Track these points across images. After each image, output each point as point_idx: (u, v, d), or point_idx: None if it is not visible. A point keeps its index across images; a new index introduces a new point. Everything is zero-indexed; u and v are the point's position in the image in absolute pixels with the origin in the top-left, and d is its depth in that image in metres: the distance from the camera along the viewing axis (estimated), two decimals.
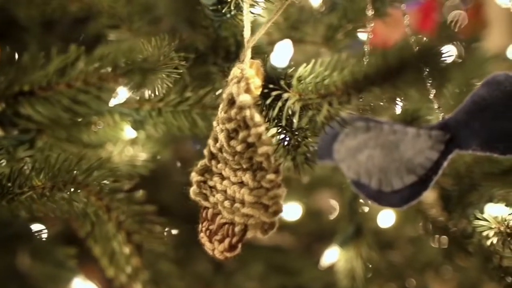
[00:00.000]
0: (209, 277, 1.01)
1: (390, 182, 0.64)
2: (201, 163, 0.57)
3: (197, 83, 0.64)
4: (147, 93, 0.61)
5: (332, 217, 1.19)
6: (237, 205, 0.52)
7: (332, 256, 0.82)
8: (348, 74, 0.44)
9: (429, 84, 0.66)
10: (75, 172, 0.48)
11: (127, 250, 0.48)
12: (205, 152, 0.56)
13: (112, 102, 0.64)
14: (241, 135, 0.50)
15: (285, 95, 0.48)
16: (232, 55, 0.64)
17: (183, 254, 1.00)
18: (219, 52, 0.64)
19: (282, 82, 0.49)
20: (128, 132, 0.72)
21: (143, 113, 0.64)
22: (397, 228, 0.94)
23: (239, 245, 0.52)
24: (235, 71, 0.52)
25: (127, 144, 0.74)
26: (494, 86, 0.61)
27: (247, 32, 0.52)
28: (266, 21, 0.52)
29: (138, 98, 0.64)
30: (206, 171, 0.57)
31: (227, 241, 0.52)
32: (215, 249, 0.53)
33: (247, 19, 0.52)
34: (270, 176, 0.50)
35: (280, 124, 0.50)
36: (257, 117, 0.49)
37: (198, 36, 0.64)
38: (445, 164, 0.63)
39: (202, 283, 1.01)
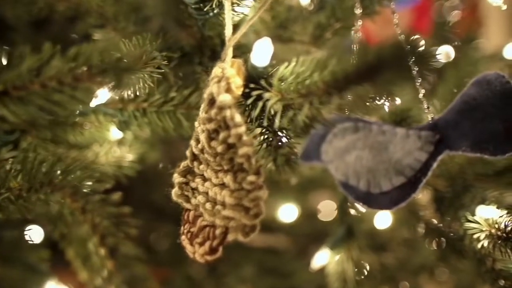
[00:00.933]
0: (201, 279, 1.01)
1: (379, 183, 0.63)
2: (183, 164, 0.56)
3: (182, 83, 0.63)
4: (127, 93, 0.60)
5: (329, 218, 1.18)
6: (218, 207, 0.51)
7: (323, 258, 0.81)
8: (328, 74, 0.43)
9: (418, 84, 0.65)
10: (52, 173, 0.47)
11: (101, 252, 0.47)
12: (187, 153, 0.55)
13: (95, 102, 0.63)
14: (221, 135, 0.49)
15: (266, 95, 0.47)
16: (218, 54, 0.63)
17: (175, 256, 1.00)
18: (204, 51, 0.63)
19: (263, 82, 0.47)
20: (114, 132, 0.71)
21: (127, 113, 0.63)
22: (391, 230, 0.93)
23: (220, 248, 0.51)
24: (216, 71, 0.51)
25: (113, 145, 0.73)
26: (484, 86, 0.60)
27: (228, 31, 0.51)
28: (248, 20, 0.51)
29: (122, 98, 0.63)
30: (189, 172, 0.56)
31: (207, 244, 0.51)
32: (196, 252, 0.52)
33: (228, 18, 0.51)
34: (251, 177, 0.48)
35: (262, 124, 0.48)
36: (238, 118, 0.48)
37: (183, 35, 0.63)
38: (435, 165, 0.62)
39: (194, 285, 1.00)
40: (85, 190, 0.49)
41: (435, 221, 0.82)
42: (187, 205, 0.55)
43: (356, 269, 0.78)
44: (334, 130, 0.66)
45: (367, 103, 0.44)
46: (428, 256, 0.92)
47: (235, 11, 0.56)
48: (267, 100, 0.48)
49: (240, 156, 0.49)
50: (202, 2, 0.55)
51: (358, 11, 0.65)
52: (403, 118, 0.66)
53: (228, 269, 1.00)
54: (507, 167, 0.82)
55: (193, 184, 0.55)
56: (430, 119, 0.64)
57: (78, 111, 0.63)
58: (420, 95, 0.64)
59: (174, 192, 0.55)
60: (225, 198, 0.50)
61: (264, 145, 0.50)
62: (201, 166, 0.54)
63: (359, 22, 0.65)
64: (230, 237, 0.50)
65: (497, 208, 0.68)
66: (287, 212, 1.18)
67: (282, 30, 0.70)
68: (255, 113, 0.49)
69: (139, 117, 0.64)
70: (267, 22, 0.70)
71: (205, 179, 0.54)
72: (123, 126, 0.66)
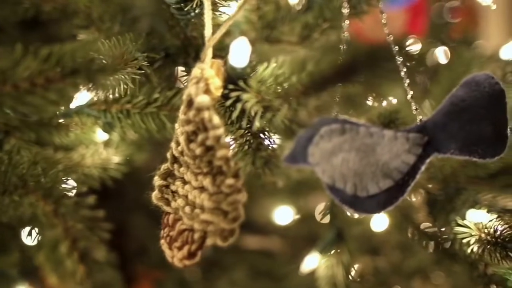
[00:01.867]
0: (191, 282, 1.00)
1: (366, 187, 0.62)
2: (163, 166, 0.55)
3: (166, 84, 0.63)
4: (109, 94, 0.59)
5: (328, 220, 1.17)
6: (197, 210, 0.50)
7: (313, 262, 0.80)
8: (306, 76, 0.42)
9: (406, 85, 0.64)
10: (27, 176, 0.46)
11: (73, 257, 0.46)
12: (168, 155, 0.55)
13: (78, 104, 0.63)
14: (200, 137, 0.48)
15: (244, 97, 0.46)
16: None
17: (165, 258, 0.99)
18: (189, 52, 0.62)
19: (242, 83, 0.46)
20: (100, 134, 0.71)
21: (110, 115, 0.63)
22: (384, 233, 0.91)
23: (199, 253, 0.50)
24: (195, 71, 0.50)
25: (100, 147, 0.72)
26: (473, 87, 0.59)
27: (208, 31, 0.50)
28: (227, 20, 0.50)
29: (105, 99, 0.62)
30: (169, 175, 0.55)
31: (186, 248, 0.50)
32: (175, 256, 0.51)
33: (208, 18, 0.50)
34: (229, 180, 0.47)
35: (241, 126, 0.48)
36: (216, 119, 0.47)
37: (168, 36, 0.62)
38: (423, 168, 0.61)
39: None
40: (60, 193, 0.48)
41: (427, 225, 0.80)
42: (167, 208, 0.54)
43: (346, 273, 0.77)
44: (320, 132, 0.65)
45: (346, 103, 0.43)
46: (422, 260, 0.90)
47: (218, 11, 0.55)
48: (247, 101, 0.46)
49: (218, 159, 0.48)
50: (183, 2, 0.54)
51: (345, 11, 0.64)
52: (391, 120, 0.64)
53: (220, 272, 0.99)
54: (500, 169, 0.80)
55: (173, 187, 0.54)
56: (418, 120, 0.62)
57: (61, 113, 0.62)
58: (408, 97, 0.63)
59: (154, 195, 0.54)
60: (204, 202, 0.49)
61: (244, 147, 0.49)
62: (181, 169, 0.53)
63: (347, 22, 0.64)
64: (209, 242, 0.49)
65: (488, 212, 0.67)
66: (283, 215, 1.17)
67: (269, 31, 0.69)
68: (235, 115, 0.47)
69: (123, 118, 0.63)
70: (254, 23, 0.69)
71: (185, 182, 0.53)
72: (107, 127, 0.65)
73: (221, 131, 0.47)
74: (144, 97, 0.61)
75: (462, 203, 0.73)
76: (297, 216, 1.16)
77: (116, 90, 0.54)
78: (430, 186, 0.81)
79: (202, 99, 0.47)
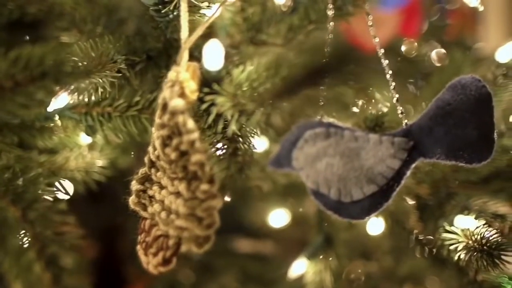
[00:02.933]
0: (183, 285, 0.99)
1: (350, 192, 0.61)
2: (141, 171, 0.54)
3: (148, 87, 0.62)
4: (90, 97, 0.58)
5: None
6: (172, 216, 0.49)
7: (301, 267, 0.79)
8: (280, 80, 0.41)
9: (392, 87, 0.62)
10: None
11: (39, 264, 0.45)
12: (146, 159, 0.54)
13: (58, 106, 0.62)
14: (174, 142, 0.47)
15: (219, 100, 0.45)
16: None
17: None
18: (171, 54, 0.62)
19: (216, 86, 0.46)
20: (84, 137, 0.70)
21: (92, 118, 0.62)
22: (376, 238, 0.90)
23: (173, 259, 0.49)
24: (171, 74, 0.49)
25: (84, 150, 0.71)
26: (459, 90, 0.58)
27: (184, 33, 0.50)
28: (204, 22, 0.49)
29: (87, 102, 0.62)
30: (147, 179, 0.54)
31: (161, 254, 0.49)
32: (150, 262, 0.50)
33: (184, 20, 0.49)
34: (204, 186, 0.46)
35: (217, 131, 0.47)
36: (190, 123, 0.46)
37: (149, 38, 0.62)
38: (408, 173, 0.60)
39: None
40: (31, 197, 0.47)
41: (418, 230, 0.79)
42: (144, 214, 0.53)
43: (334, 279, 0.75)
44: (305, 136, 0.64)
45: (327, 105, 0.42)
46: (414, 265, 0.89)
47: (197, 13, 0.54)
48: (222, 105, 0.45)
49: (193, 164, 0.47)
50: (161, 4, 0.53)
51: (330, 12, 0.63)
52: (377, 124, 0.63)
53: (210, 275, 0.98)
54: (493, 173, 0.79)
55: (150, 192, 0.53)
56: (404, 124, 0.61)
57: (41, 115, 0.62)
58: (394, 100, 0.62)
59: (131, 200, 0.54)
60: (179, 207, 0.48)
61: (220, 152, 0.48)
62: (158, 174, 0.52)
63: (332, 24, 0.63)
64: (184, 248, 0.48)
65: (476, 218, 0.66)
66: (277, 218, 1.16)
67: (255, 33, 0.68)
68: (210, 119, 0.46)
69: (104, 122, 0.62)
70: (239, 25, 0.68)
71: (162, 187, 0.52)
72: (89, 131, 0.64)
73: (195, 135, 0.46)
74: (125, 100, 0.60)
75: (451, 209, 0.72)
76: (291, 220, 1.15)
77: (94, 93, 0.53)
78: (421, 190, 0.80)
79: (177, 103, 0.46)
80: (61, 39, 0.66)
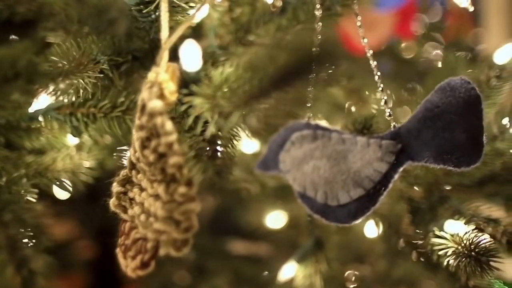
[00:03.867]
0: (176, 286, 0.98)
1: (336, 195, 0.60)
2: (122, 173, 0.54)
3: (133, 87, 0.61)
4: (73, 98, 0.58)
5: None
6: (151, 219, 0.49)
7: (291, 271, 0.78)
8: (257, 81, 0.40)
9: (380, 90, 0.61)
10: None
11: (10, 266, 0.45)
12: (127, 161, 0.53)
13: (44, 107, 0.62)
14: (152, 144, 0.47)
15: (196, 102, 0.44)
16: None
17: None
18: (155, 55, 0.61)
19: (194, 88, 0.45)
20: (71, 137, 0.70)
21: (76, 119, 0.61)
22: (369, 241, 0.89)
23: (152, 263, 0.48)
24: (150, 75, 0.48)
25: (72, 150, 0.71)
26: (447, 92, 0.56)
27: (164, 34, 0.49)
28: (184, 23, 0.49)
29: (72, 103, 0.61)
30: (128, 181, 0.53)
31: (139, 258, 0.48)
32: (128, 266, 0.49)
33: (164, 20, 0.49)
34: (182, 189, 0.46)
35: (195, 133, 0.46)
36: (168, 125, 0.46)
37: (135, 39, 0.61)
38: (396, 177, 0.58)
39: None
40: (7, 199, 0.47)
41: (411, 233, 0.78)
42: (124, 216, 0.53)
43: (324, 283, 0.74)
44: (292, 138, 0.63)
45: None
46: (408, 269, 0.88)
47: (180, 14, 0.53)
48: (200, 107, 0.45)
49: (171, 166, 0.46)
50: (143, 4, 0.53)
51: (318, 12, 0.62)
52: (365, 126, 0.62)
53: (200, 278, 0.97)
54: (487, 177, 0.77)
55: (131, 194, 0.53)
56: (392, 127, 0.60)
57: (26, 116, 0.61)
58: (382, 102, 0.61)
59: (112, 202, 0.53)
60: (157, 210, 0.48)
61: (198, 154, 0.47)
62: (139, 176, 0.52)
63: (320, 24, 0.62)
64: (162, 252, 0.48)
65: (466, 223, 0.64)
66: (273, 219, 1.15)
67: (243, 33, 0.67)
68: (189, 121, 0.46)
69: (89, 123, 0.61)
70: (227, 25, 0.67)
71: (142, 189, 0.51)
72: (74, 131, 0.64)
73: (173, 137, 0.45)
74: (110, 101, 0.60)
75: (443, 213, 0.71)
76: (287, 221, 1.14)
77: (77, 94, 0.53)
78: (414, 193, 0.79)
79: (155, 104, 0.46)
80: (47, 39, 0.66)
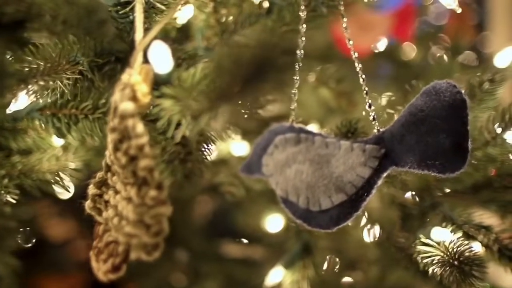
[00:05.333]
0: None
1: (318, 200, 0.58)
2: (99, 175, 0.53)
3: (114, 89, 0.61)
4: (55, 98, 0.57)
5: None
6: (123, 222, 0.48)
7: (278, 276, 0.77)
8: (223, 82, 0.39)
9: (365, 93, 0.60)
10: None
11: None
12: (103, 163, 0.53)
13: (27, 107, 0.62)
14: (124, 146, 0.46)
15: (166, 104, 0.44)
16: None
17: (140, 268, 0.98)
18: None
19: (164, 90, 0.44)
20: (57, 138, 0.69)
21: (58, 120, 0.61)
22: (361, 247, 0.87)
23: (123, 267, 0.48)
24: (124, 77, 0.48)
25: (59, 151, 0.71)
26: (432, 96, 0.55)
27: (138, 35, 0.48)
28: (158, 24, 0.48)
29: (54, 104, 0.61)
30: (103, 184, 0.53)
31: (110, 261, 0.48)
32: (100, 269, 0.49)
33: (139, 21, 0.48)
34: (152, 192, 0.45)
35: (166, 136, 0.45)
36: (140, 128, 0.45)
37: (117, 40, 0.61)
38: (379, 182, 0.57)
39: None
40: None
41: (401, 239, 0.76)
42: (99, 219, 0.52)
43: None
44: (275, 141, 0.62)
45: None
46: (401, 276, 0.86)
47: (159, 14, 0.53)
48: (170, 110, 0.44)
49: (141, 169, 0.45)
50: (120, 4, 0.52)
51: (303, 14, 0.61)
52: (349, 130, 0.61)
53: (192, 280, 0.96)
54: (482, 183, 0.75)
55: (106, 197, 0.52)
56: (376, 131, 0.58)
57: (9, 117, 0.61)
58: (367, 106, 0.60)
59: (87, 204, 0.53)
60: (129, 213, 0.47)
61: (170, 157, 0.46)
62: (114, 178, 0.51)
63: (304, 26, 0.61)
64: (133, 255, 0.47)
65: (457, 230, 0.63)
66: (272, 223, 1.14)
67: (229, 35, 0.66)
68: (160, 123, 0.45)
69: (71, 124, 0.61)
70: (213, 27, 0.67)
71: (116, 192, 0.51)
72: (58, 133, 0.64)
73: (144, 140, 0.45)
74: (91, 102, 0.60)
75: (433, 219, 0.69)
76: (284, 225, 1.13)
77: (52, 94, 0.52)
78: (406, 199, 0.77)
79: (126, 106, 0.45)
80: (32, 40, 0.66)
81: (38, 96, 0.54)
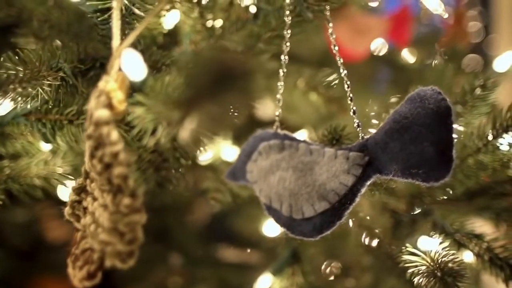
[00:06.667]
0: None
1: (301, 208, 0.57)
2: (78, 181, 0.53)
3: None
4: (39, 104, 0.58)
5: None
6: (99, 229, 0.48)
7: (266, 283, 0.76)
8: (193, 89, 0.39)
9: (349, 100, 0.59)
10: None
11: None
12: (82, 169, 0.53)
13: (12, 112, 0.62)
14: (99, 154, 0.46)
15: (138, 112, 0.43)
16: None
17: (130, 273, 0.98)
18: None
19: (137, 97, 0.44)
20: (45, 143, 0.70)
21: (43, 125, 0.61)
22: (354, 254, 0.86)
23: (98, 274, 0.48)
24: (100, 84, 0.48)
25: (48, 156, 0.71)
26: (417, 103, 0.54)
27: (115, 42, 0.48)
28: (136, 30, 0.48)
29: (39, 109, 0.61)
30: (83, 190, 0.53)
31: (86, 268, 0.48)
32: (76, 276, 0.49)
33: (116, 28, 0.48)
34: (126, 200, 0.45)
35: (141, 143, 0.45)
36: (114, 135, 0.45)
37: (100, 45, 0.61)
38: (363, 190, 0.56)
39: None
40: None
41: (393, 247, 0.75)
42: (77, 225, 0.52)
43: None
44: (259, 148, 0.61)
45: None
46: (394, 285, 0.84)
47: (139, 20, 0.53)
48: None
49: (116, 177, 0.45)
50: (100, 11, 0.52)
51: (288, 19, 0.60)
52: (334, 137, 0.60)
53: (183, 284, 0.96)
54: (477, 191, 0.74)
55: (85, 203, 0.52)
56: (360, 138, 0.58)
57: None
58: (351, 112, 0.59)
59: (66, 210, 0.53)
60: (104, 221, 0.47)
61: (144, 165, 0.46)
62: (92, 185, 0.51)
63: (289, 31, 0.60)
64: (107, 263, 0.47)
65: (443, 240, 0.61)
66: (270, 227, 1.14)
67: (216, 40, 0.66)
68: (135, 131, 0.45)
69: (56, 129, 0.61)
70: (201, 32, 0.66)
71: (95, 199, 0.51)
72: (44, 138, 0.64)
73: (119, 147, 0.45)
74: (75, 108, 0.60)
75: (423, 227, 0.68)
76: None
77: (33, 100, 0.53)
78: (397, 206, 0.76)
79: (101, 114, 0.45)
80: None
81: (19, 103, 0.54)
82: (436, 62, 0.83)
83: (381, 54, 0.97)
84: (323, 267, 0.83)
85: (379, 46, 0.98)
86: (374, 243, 0.80)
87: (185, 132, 0.37)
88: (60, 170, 0.70)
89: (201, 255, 1.05)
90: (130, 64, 0.44)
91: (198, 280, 1.00)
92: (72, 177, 0.71)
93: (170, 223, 1.06)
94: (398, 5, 0.96)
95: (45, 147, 0.70)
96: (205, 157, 0.79)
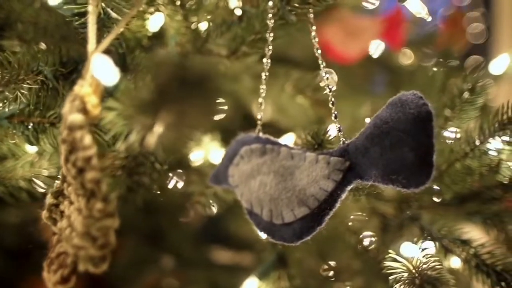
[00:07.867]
0: None
1: (281, 213, 0.57)
2: (56, 185, 0.53)
3: None
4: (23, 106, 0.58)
5: None
6: (73, 233, 0.48)
7: (251, 287, 0.76)
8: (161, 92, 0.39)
9: (331, 104, 0.58)
10: None
11: None
12: (60, 173, 0.53)
13: None
14: (72, 158, 0.46)
15: (109, 117, 0.43)
16: None
17: (122, 275, 0.98)
18: None
19: (109, 102, 0.44)
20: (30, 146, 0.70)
21: (26, 128, 0.62)
22: (346, 258, 0.86)
23: (72, 278, 0.48)
24: (75, 88, 0.48)
25: (34, 158, 0.71)
26: (398, 108, 0.53)
27: (91, 46, 0.48)
28: (111, 33, 0.48)
29: (22, 111, 0.61)
30: (60, 194, 0.53)
31: (60, 272, 0.48)
32: (50, 280, 0.49)
33: (91, 32, 0.48)
34: (98, 204, 0.45)
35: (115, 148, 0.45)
36: (87, 140, 0.45)
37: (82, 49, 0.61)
38: (343, 196, 0.55)
39: None
40: None
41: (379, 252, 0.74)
42: (54, 229, 0.52)
43: None
44: (241, 151, 0.61)
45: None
46: None
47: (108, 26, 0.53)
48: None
49: (88, 181, 0.45)
50: (78, 15, 0.52)
51: (270, 22, 0.60)
52: (316, 142, 0.59)
53: (179, 286, 0.96)
54: (468, 195, 0.73)
55: (62, 207, 0.52)
56: (341, 143, 0.57)
57: None
58: (333, 117, 0.58)
59: (43, 214, 0.53)
60: (78, 225, 0.47)
61: (117, 170, 0.46)
62: (69, 188, 0.51)
63: (272, 34, 0.60)
64: (81, 267, 0.47)
65: (422, 250, 0.60)
66: None
67: (201, 43, 0.66)
68: (108, 135, 0.45)
69: (39, 131, 0.62)
70: (185, 34, 0.66)
71: (71, 203, 0.51)
72: (27, 140, 0.64)
73: (91, 152, 0.45)
74: (57, 110, 0.60)
75: (408, 233, 0.67)
76: None
77: (12, 103, 0.53)
78: (385, 210, 0.75)
79: (74, 118, 0.45)
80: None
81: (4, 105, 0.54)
82: (429, 64, 0.82)
83: (375, 56, 0.96)
84: (311, 270, 0.82)
85: (375, 48, 0.97)
86: (363, 247, 0.79)
87: (154, 137, 0.37)
88: (46, 172, 0.70)
89: (194, 257, 1.05)
90: (102, 68, 0.44)
91: (191, 282, 1.00)
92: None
93: (163, 226, 1.06)
94: (392, 6, 0.95)
95: (31, 149, 0.71)
96: (197, 158, 0.79)
